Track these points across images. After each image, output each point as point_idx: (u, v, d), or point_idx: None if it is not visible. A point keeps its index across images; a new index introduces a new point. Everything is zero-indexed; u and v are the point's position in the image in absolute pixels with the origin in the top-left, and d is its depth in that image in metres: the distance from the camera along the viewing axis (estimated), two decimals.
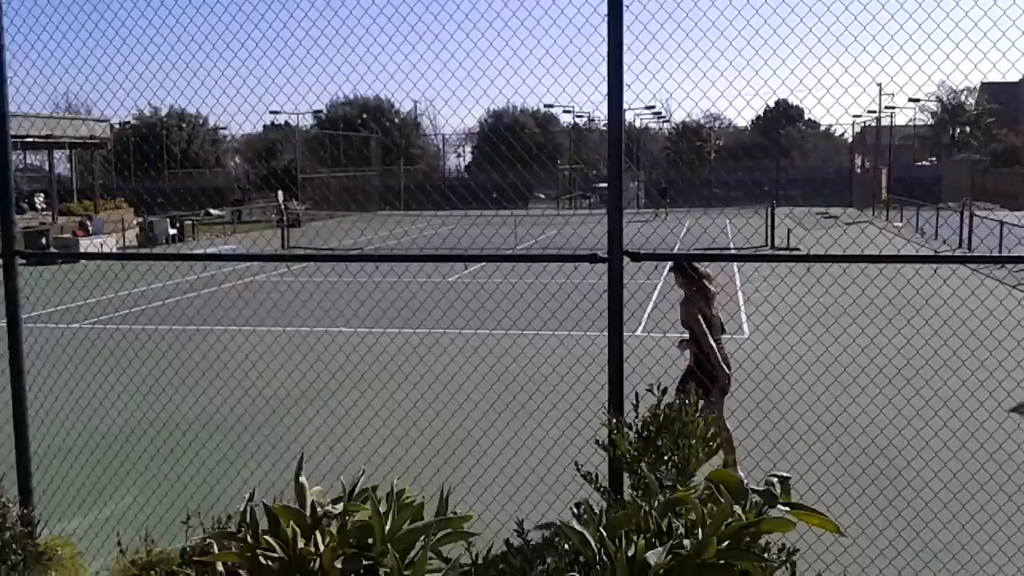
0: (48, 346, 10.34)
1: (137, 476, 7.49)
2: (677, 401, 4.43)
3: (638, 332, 13.56)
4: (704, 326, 7.17)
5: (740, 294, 17.19)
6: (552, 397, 8.25)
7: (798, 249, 25.06)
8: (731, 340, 11.91)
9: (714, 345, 7.16)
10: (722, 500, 3.15)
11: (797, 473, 6.67)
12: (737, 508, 3.18)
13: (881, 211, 44.53)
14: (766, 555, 3.47)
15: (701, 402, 4.50)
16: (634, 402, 4.48)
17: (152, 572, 4.89)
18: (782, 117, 66.16)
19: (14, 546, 5.05)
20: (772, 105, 65.02)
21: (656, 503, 3.37)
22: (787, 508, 3.32)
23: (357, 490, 3.39)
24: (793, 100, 63.69)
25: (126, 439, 8.27)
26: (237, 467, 7.30)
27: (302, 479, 3.33)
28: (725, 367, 7.27)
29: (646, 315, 15.20)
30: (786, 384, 7.87)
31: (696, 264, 7.39)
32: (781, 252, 26.05)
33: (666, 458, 4.35)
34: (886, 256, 5.33)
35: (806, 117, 69.14)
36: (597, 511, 4.03)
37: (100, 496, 7.06)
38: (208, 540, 4.56)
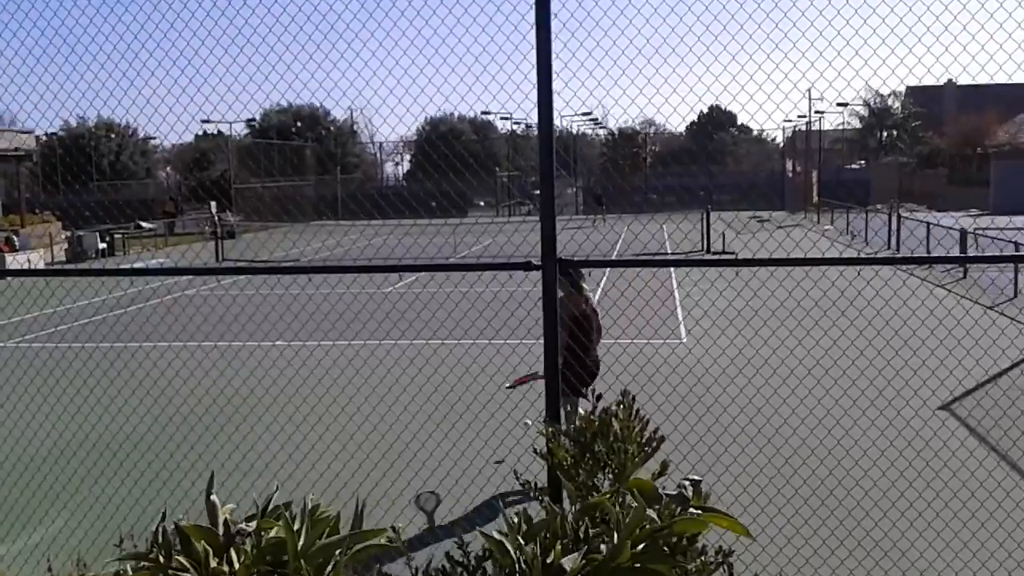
0: None
1: (68, 498, 7.29)
2: (614, 406, 4.47)
3: None
4: (568, 329, 7.37)
5: (676, 298, 17.43)
6: (490, 406, 8.26)
7: (733, 253, 25.52)
8: (665, 344, 12.08)
9: (572, 344, 7.34)
10: (636, 504, 3.20)
11: (731, 475, 6.79)
12: (651, 512, 3.23)
13: (812, 214, 45.57)
14: (702, 557, 3.52)
15: (636, 407, 4.55)
16: (567, 409, 4.52)
17: None
18: (715, 123, 67.38)
19: None
20: (705, 111, 66.26)
21: (572, 510, 3.41)
22: (699, 511, 3.39)
23: (271, 506, 3.35)
24: (725, 105, 64.90)
25: (55, 461, 8.03)
26: (171, 486, 7.15)
27: (213, 497, 3.28)
28: (594, 367, 7.49)
29: None
30: (719, 387, 8.01)
31: (572, 271, 7.46)
32: (714, 257, 26.51)
33: (603, 464, 4.39)
34: (812, 259, 5.46)
35: (738, 122, 70.52)
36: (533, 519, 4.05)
37: (29, 520, 6.86)
38: (123, 563, 4.47)
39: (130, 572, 3.34)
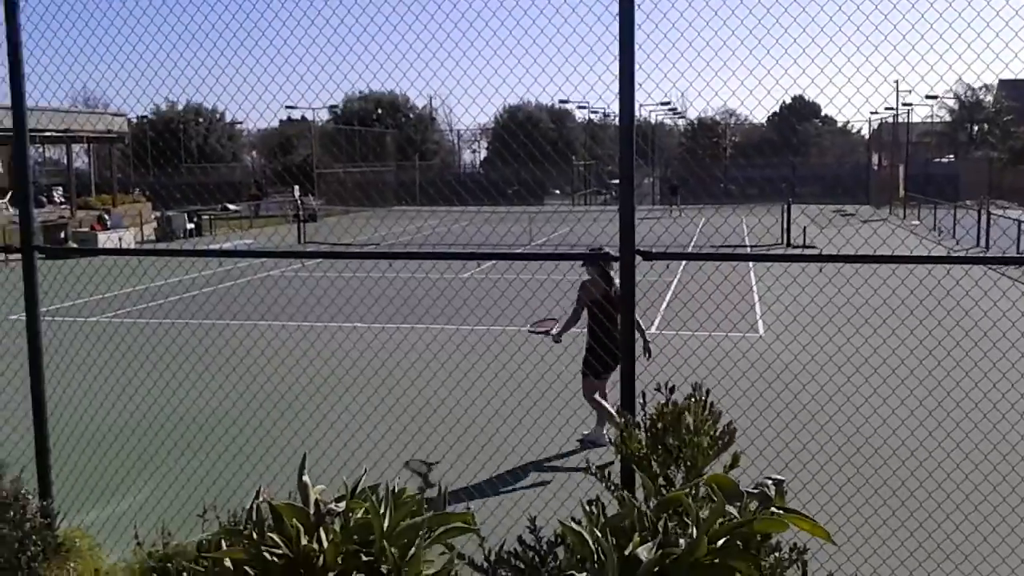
0: (67, 339, 10.46)
1: (154, 469, 7.59)
2: (686, 400, 4.46)
3: (652, 329, 13.59)
4: (590, 312, 8.12)
5: (755, 293, 17.18)
6: (565, 394, 8.30)
7: (814, 247, 24.99)
8: (743, 338, 11.94)
9: (593, 327, 8.01)
10: (716, 501, 3.19)
11: (809, 472, 6.70)
12: (731, 508, 3.22)
13: (898, 209, 44.30)
14: (776, 554, 3.51)
15: (710, 400, 4.53)
16: (642, 401, 4.52)
17: (168, 565, 4.97)
18: (798, 113, 65.87)
19: (34, 537, 5.15)
20: (788, 101, 64.80)
21: (652, 503, 3.42)
22: (780, 511, 3.37)
23: (359, 489, 3.45)
24: (809, 96, 63.41)
25: (143, 433, 8.37)
26: (252, 461, 7.38)
27: (305, 478, 3.39)
28: (613, 346, 7.55)
29: (660, 312, 15.22)
30: (798, 384, 7.89)
31: (603, 260, 7.52)
32: (794, 252, 25.97)
33: (675, 456, 4.40)
34: (898, 257, 5.32)
35: (823, 113, 68.83)
36: (610, 511, 4.08)
37: (118, 489, 7.16)
38: (219, 536, 4.65)
39: (223, 545, 3.48)
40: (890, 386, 8.26)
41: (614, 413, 7.23)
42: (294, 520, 3.22)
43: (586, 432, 8.47)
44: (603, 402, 8.17)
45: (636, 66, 4.51)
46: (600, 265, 8.10)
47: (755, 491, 3.36)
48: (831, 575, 4.82)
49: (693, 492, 3.57)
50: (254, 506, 3.45)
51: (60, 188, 42.27)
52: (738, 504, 3.29)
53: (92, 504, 6.67)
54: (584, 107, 50.63)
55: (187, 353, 10.32)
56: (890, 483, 7.21)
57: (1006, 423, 7.70)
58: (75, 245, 26.79)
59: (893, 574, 5.84)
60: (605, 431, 8.23)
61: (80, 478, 6.58)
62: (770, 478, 3.45)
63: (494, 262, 19.99)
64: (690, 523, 3.16)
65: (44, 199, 39.39)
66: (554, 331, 8.61)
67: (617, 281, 7.45)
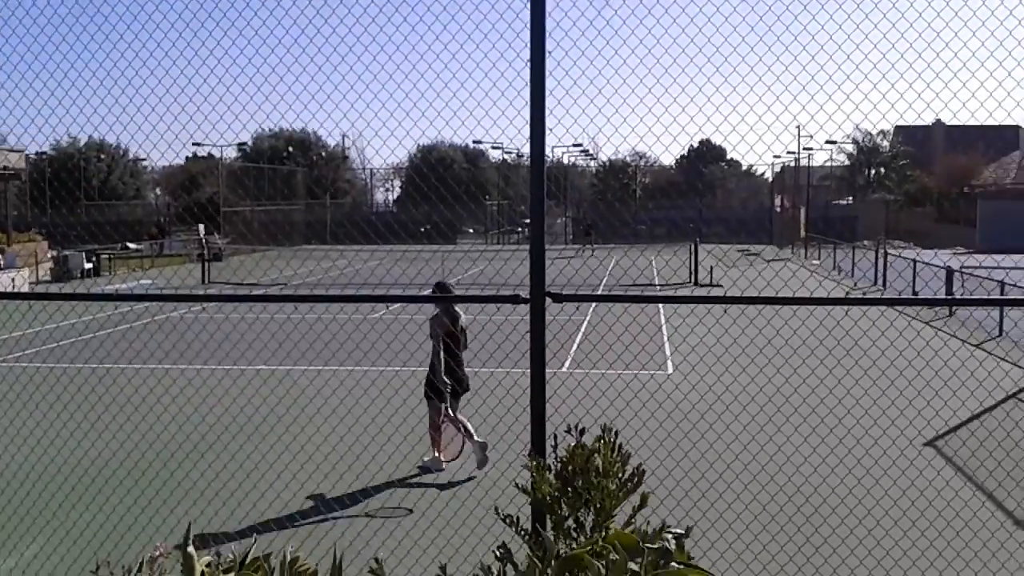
0: None
1: (44, 523, 7.17)
2: (595, 442, 4.44)
3: (563, 368, 13.62)
4: (440, 340, 8.60)
5: (663, 332, 17.43)
6: (477, 437, 8.19)
7: (720, 286, 25.60)
8: (652, 378, 12.05)
9: (440, 355, 8.54)
10: (617, 558, 3.15)
11: (717, 511, 6.75)
12: (633, 565, 3.18)
13: (799, 249, 45.82)
14: None
15: (619, 442, 4.51)
16: (553, 444, 4.48)
17: None
18: (705, 157, 67.88)
19: None
20: (696, 145, 66.71)
21: (552, 563, 3.35)
22: (681, 566, 3.35)
23: (249, 559, 3.29)
24: (716, 140, 65.43)
25: (33, 484, 7.91)
26: (149, 513, 7.04)
27: (190, 549, 3.22)
28: (461, 372, 8.75)
29: (571, 353, 15.28)
30: (705, 423, 7.98)
31: (446, 286, 8.54)
32: (703, 292, 26.58)
33: (584, 499, 4.35)
34: (798, 299, 5.44)
35: (728, 157, 71.02)
36: (517, 556, 3.99)
37: (4, 545, 6.73)
38: None
39: None
40: (792, 424, 8.43)
41: (458, 437, 8.44)
42: None
43: (426, 459, 8.76)
44: (446, 427, 8.61)
45: (547, 111, 4.54)
46: (443, 302, 8.70)
47: (655, 547, 3.31)
48: None
49: (597, 547, 3.50)
50: None
51: None
52: (639, 560, 3.24)
53: None
54: (498, 147, 51.16)
55: (80, 399, 9.85)
56: (795, 519, 7.32)
57: (904, 458, 7.93)
58: None
59: None
60: (437, 455, 8.65)
61: None
62: (670, 531, 3.43)
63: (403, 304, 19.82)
64: None
65: None
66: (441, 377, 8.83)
67: (461, 317, 8.82)
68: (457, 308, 8.85)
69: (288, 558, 3.24)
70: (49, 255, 34.47)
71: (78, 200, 52.03)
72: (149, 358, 14.30)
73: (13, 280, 28.11)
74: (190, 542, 3.28)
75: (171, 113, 5.66)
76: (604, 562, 3.23)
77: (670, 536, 3.32)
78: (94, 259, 33.81)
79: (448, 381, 8.51)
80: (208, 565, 3.24)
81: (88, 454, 9.00)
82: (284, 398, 10.29)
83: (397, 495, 7.53)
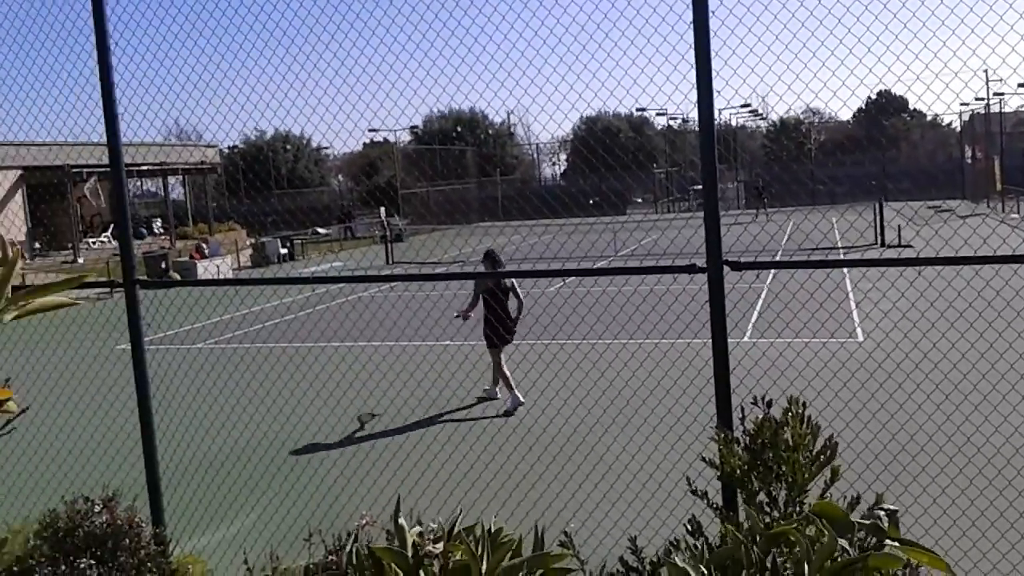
0: (172, 367, 10.85)
1: (261, 493, 7.79)
2: (784, 414, 4.37)
3: (745, 339, 13.35)
4: (479, 297, 11.00)
5: (851, 298, 16.71)
6: (659, 410, 8.22)
7: (910, 246, 24.17)
8: (842, 347, 11.61)
9: (487, 313, 10.63)
10: (826, 534, 3.08)
11: (920, 485, 6.47)
12: (843, 542, 3.10)
13: (996, 203, 42.54)
14: None
15: (808, 414, 4.42)
16: (740, 416, 4.44)
17: None
18: (885, 109, 63.94)
19: (149, 564, 5.33)
20: (874, 96, 62.97)
21: (759, 538, 3.33)
22: (895, 543, 3.21)
23: (456, 530, 3.47)
24: (897, 90, 61.49)
25: (248, 457, 8.61)
26: (354, 483, 7.52)
27: (401, 520, 3.43)
28: (510, 323, 10.99)
29: (752, 322, 14.94)
30: (903, 392, 7.63)
31: (493, 257, 11.21)
32: (890, 253, 25.18)
33: (775, 473, 4.30)
34: (998, 257, 5.06)
35: (911, 108, 66.62)
36: (711, 529, 4.01)
37: (227, 514, 7.38)
38: (329, 560, 4.74)
39: (320, 567, 3.54)
40: (1000, 392, 7.92)
41: (508, 376, 10.68)
42: (393, 565, 3.25)
43: (486, 388, 11.15)
44: (503, 367, 10.80)
45: (713, 73, 4.46)
46: (491, 260, 11.18)
47: (867, 522, 3.20)
48: None
49: (799, 521, 3.45)
50: (354, 549, 3.50)
51: (159, 219, 44.00)
52: (849, 537, 3.15)
53: (203, 530, 6.89)
54: (663, 114, 50.19)
55: (287, 377, 10.59)
56: (1006, 494, 6.89)
57: None
58: (176, 274, 27.78)
59: None
60: (497, 389, 11.05)
61: (191, 504, 6.81)
62: (882, 508, 3.30)
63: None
64: (800, 558, 3.05)
65: (144, 231, 41.04)
66: (463, 311, 11.45)
67: (506, 281, 10.98)
68: (499, 266, 11.22)
69: (492, 529, 3.41)
70: (248, 242, 36.97)
71: (270, 189, 55.38)
72: (346, 336, 15.14)
73: (218, 267, 30.37)
74: (400, 514, 3.50)
75: (349, 102, 5.96)
76: (811, 539, 3.19)
77: (882, 513, 3.22)
78: (288, 244, 35.97)
79: (495, 332, 10.65)
80: (419, 535, 3.46)
81: (297, 428, 9.69)
82: (471, 372, 10.66)
83: (582, 470, 7.68)
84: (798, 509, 4.25)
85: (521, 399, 10.48)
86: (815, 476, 4.17)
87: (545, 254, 21.63)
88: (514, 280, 11.03)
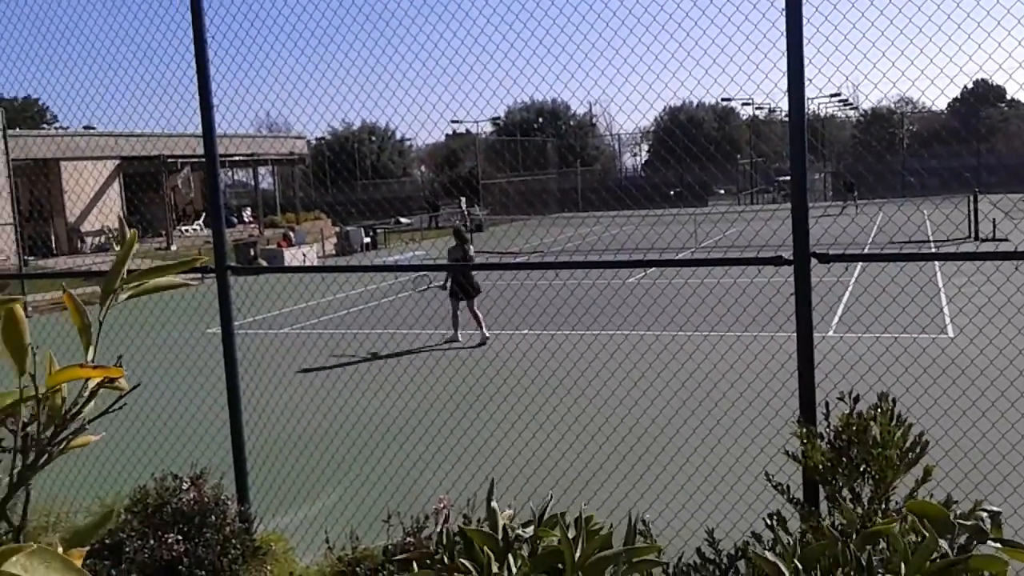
0: (260, 351, 11.16)
1: (343, 476, 7.95)
2: (869, 410, 4.27)
3: (830, 334, 13.04)
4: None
5: (942, 293, 16.16)
6: (740, 403, 8.11)
7: (1007, 240, 23.23)
8: (934, 342, 11.24)
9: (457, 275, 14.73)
10: (925, 533, 2.97)
11: (1011, 485, 6.23)
12: (943, 542, 2.98)
13: None
14: None
15: (897, 411, 4.30)
16: (824, 412, 4.36)
17: (357, 569, 5.22)
18: (982, 98, 61.38)
19: (234, 541, 5.51)
20: (970, 86, 60.52)
21: (854, 534, 3.24)
22: (998, 545, 3.07)
23: (546, 515, 3.48)
24: (994, 80, 58.97)
25: (332, 439, 8.80)
26: (432, 468, 7.63)
27: (494, 504, 3.46)
28: (470, 283, 14.81)
29: (837, 316, 14.58)
30: (995, 390, 7.36)
31: (464, 231, 15.32)
32: (986, 246, 24.25)
33: (861, 469, 4.21)
34: None
35: (1009, 97, 63.75)
36: (790, 525, 3.95)
37: (309, 494, 7.56)
38: (408, 542, 4.83)
39: (415, 568, 3.60)
40: None
41: (480, 317, 14.71)
42: (484, 547, 3.28)
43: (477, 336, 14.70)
44: (476, 310, 14.88)
45: (805, 61, 4.36)
46: (461, 235, 15.69)
47: (969, 523, 3.05)
48: None
49: (898, 520, 3.33)
50: (444, 530, 3.55)
51: (248, 208, 45.22)
52: (948, 537, 3.02)
53: (285, 509, 7.08)
54: (748, 103, 49.25)
55: (370, 361, 10.78)
56: None
57: None
58: (264, 262, 28.51)
59: None
60: (458, 333, 14.83)
61: (274, 483, 7.00)
62: (984, 509, 3.15)
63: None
64: (895, 558, 2.95)
65: (234, 219, 42.27)
66: (440, 282, 15.42)
67: (471, 250, 15.84)
68: (469, 246, 15.67)
69: (583, 516, 3.41)
70: (333, 231, 37.72)
71: (355, 180, 56.35)
72: (427, 324, 15.35)
73: (304, 255, 31.07)
74: (493, 497, 3.53)
75: (435, 93, 6.04)
76: (912, 538, 3.08)
77: (984, 513, 3.06)
78: (372, 234, 36.55)
79: (463, 287, 14.71)
80: (510, 519, 3.49)
81: (379, 411, 9.86)
82: (550, 361, 10.68)
83: (660, 461, 7.62)
84: (884, 507, 4.15)
85: (487, 335, 14.35)
86: (903, 474, 4.06)
87: (626, 245, 21.50)
88: (473, 252, 15.80)
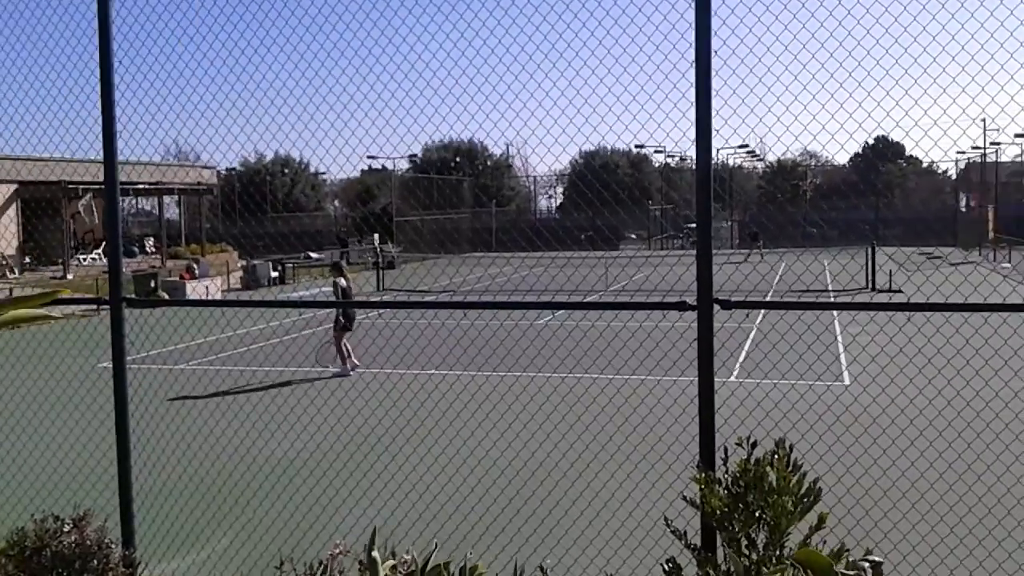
0: (153, 387, 10.73)
1: (235, 518, 7.66)
2: (767, 455, 4.31)
3: (732, 378, 13.29)
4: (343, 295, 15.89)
5: (839, 341, 16.70)
6: (642, 447, 8.14)
7: (901, 292, 24.23)
8: (828, 389, 11.57)
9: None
10: None
11: (900, 532, 6.39)
12: None
13: (989, 251, 42.76)
14: None
15: (794, 457, 4.35)
16: (723, 457, 4.38)
17: None
18: (882, 154, 64.42)
19: None
20: (871, 142, 63.47)
21: None
22: None
23: (430, 565, 3.40)
24: (894, 137, 61.97)
25: (225, 480, 8.49)
26: (329, 512, 7.41)
27: (374, 554, 3.35)
28: (349, 316, 15.16)
29: (739, 362, 14.89)
30: (887, 438, 7.58)
31: (342, 263, 16.42)
32: (881, 297, 25.22)
33: (757, 515, 4.23)
34: (990, 305, 5.06)
35: (907, 154, 67.13)
36: (687, 571, 3.94)
37: (199, 538, 7.25)
38: None
39: None
40: (984, 441, 7.87)
41: (347, 354, 15.04)
42: None
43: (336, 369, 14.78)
44: (344, 347, 15.02)
45: (713, 112, 4.45)
46: (337, 270, 16.47)
47: (850, 573, 3.10)
48: None
49: (781, 569, 3.35)
50: None
51: (152, 238, 43.92)
52: None
53: (173, 553, 6.76)
54: (661, 151, 50.54)
55: (267, 401, 10.49)
56: (985, 543, 6.82)
57: None
58: (164, 293, 27.66)
59: None
60: (335, 363, 14.92)
61: (162, 526, 6.69)
62: (866, 559, 3.20)
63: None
64: None
65: (136, 249, 40.94)
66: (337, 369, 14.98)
67: (349, 285, 16.51)
68: (345, 280, 16.23)
69: (468, 565, 3.33)
70: (239, 264, 36.89)
71: (265, 212, 55.41)
72: (333, 361, 15.04)
73: (207, 288, 30.25)
74: (375, 547, 3.42)
75: (348, 128, 5.95)
76: None
77: (867, 564, 3.11)
78: (280, 268, 35.89)
79: (349, 318, 15.17)
80: (392, 568, 3.38)
81: (275, 452, 9.57)
82: (455, 403, 10.57)
83: (561, 506, 7.58)
84: (779, 553, 4.18)
85: (351, 369, 14.86)
86: (798, 520, 4.10)
87: (536, 286, 21.59)
88: (350, 285, 16.44)
